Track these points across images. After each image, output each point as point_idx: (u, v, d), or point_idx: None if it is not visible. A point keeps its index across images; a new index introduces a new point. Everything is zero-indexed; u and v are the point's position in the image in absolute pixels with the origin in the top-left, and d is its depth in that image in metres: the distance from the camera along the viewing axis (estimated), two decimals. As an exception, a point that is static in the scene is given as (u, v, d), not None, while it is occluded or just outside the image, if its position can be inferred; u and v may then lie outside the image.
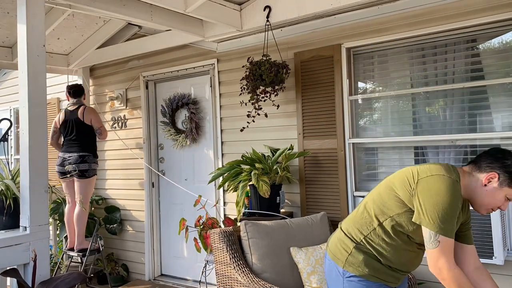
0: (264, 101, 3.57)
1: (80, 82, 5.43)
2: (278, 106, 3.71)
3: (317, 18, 3.64)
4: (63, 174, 4.31)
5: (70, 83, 5.24)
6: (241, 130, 3.73)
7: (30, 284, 2.37)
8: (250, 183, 3.49)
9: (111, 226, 5.08)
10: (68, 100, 4.53)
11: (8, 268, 2.38)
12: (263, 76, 3.39)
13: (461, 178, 1.88)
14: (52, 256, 4.85)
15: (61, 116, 4.45)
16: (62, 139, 4.44)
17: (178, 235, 4.42)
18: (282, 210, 3.71)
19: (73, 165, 4.20)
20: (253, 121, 3.64)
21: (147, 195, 4.94)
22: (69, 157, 4.26)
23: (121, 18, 4.01)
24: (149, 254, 4.92)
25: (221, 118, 4.35)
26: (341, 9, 3.42)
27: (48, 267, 2.53)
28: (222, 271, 3.02)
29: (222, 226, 3.74)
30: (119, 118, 5.21)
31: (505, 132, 3.05)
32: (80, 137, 4.30)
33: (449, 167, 1.87)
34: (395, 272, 1.96)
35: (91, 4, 3.21)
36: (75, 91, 4.48)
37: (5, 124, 5.46)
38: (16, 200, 2.67)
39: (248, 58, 3.56)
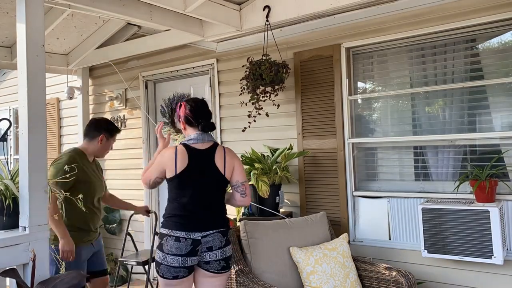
0: (264, 101, 3.57)
1: (79, 81, 5.43)
2: (278, 105, 3.70)
3: (316, 18, 3.63)
4: None
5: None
6: (243, 131, 3.72)
7: (29, 285, 2.37)
8: (250, 183, 3.48)
9: (111, 226, 5.08)
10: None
11: (7, 268, 2.37)
12: (263, 76, 3.39)
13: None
14: (52, 256, 4.84)
15: None
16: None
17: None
18: (281, 210, 3.71)
19: None
20: (254, 121, 3.64)
21: (146, 195, 4.93)
22: None
23: (121, 18, 4.01)
24: (148, 254, 4.91)
25: (220, 118, 4.35)
26: (340, 9, 3.42)
27: (47, 267, 2.53)
28: (222, 271, 3.02)
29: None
30: (118, 118, 5.20)
31: (504, 132, 3.06)
32: None
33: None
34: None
35: (91, 4, 3.20)
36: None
37: (4, 124, 5.46)
38: (15, 200, 2.66)
39: (248, 58, 3.56)
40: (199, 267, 2.52)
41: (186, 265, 2.43)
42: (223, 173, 2.55)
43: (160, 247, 2.49)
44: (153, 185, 2.67)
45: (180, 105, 2.64)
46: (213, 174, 2.53)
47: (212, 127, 2.60)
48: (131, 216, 4.20)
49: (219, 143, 2.65)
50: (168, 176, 2.54)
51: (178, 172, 2.49)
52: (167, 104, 4.78)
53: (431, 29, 3.23)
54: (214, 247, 2.48)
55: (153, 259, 3.72)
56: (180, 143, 2.59)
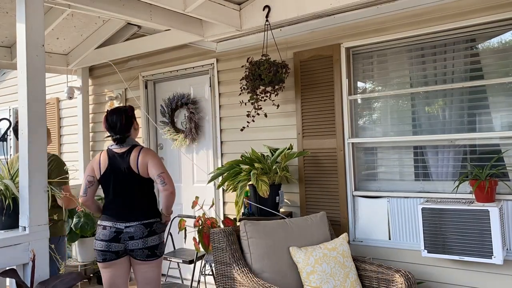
0: (264, 101, 3.57)
1: (79, 81, 5.44)
2: (278, 105, 3.71)
3: (316, 17, 3.63)
4: None
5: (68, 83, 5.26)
6: (241, 130, 3.73)
7: (29, 285, 2.37)
8: (250, 183, 3.48)
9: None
10: None
11: (7, 268, 2.38)
12: (262, 76, 3.39)
13: None
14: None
15: None
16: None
17: (177, 235, 4.41)
18: (281, 210, 3.71)
19: None
20: (253, 120, 3.64)
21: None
22: None
23: (121, 18, 4.01)
24: (148, 254, 4.91)
25: (220, 118, 4.35)
26: (340, 9, 3.42)
27: (47, 267, 2.53)
28: (222, 271, 3.02)
29: (222, 226, 3.74)
30: (118, 118, 5.19)
31: (504, 132, 3.05)
32: None
33: None
34: None
35: (90, 4, 3.21)
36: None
37: (4, 124, 5.46)
38: (15, 200, 2.66)
39: (248, 58, 3.56)
40: (129, 255, 2.93)
41: (110, 249, 2.87)
42: (137, 172, 2.90)
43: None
44: (86, 191, 3.01)
45: (105, 115, 3.04)
46: (129, 173, 2.91)
47: (122, 140, 2.97)
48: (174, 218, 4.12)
49: (141, 146, 3.02)
50: (97, 177, 2.98)
51: (102, 172, 2.95)
52: (167, 104, 4.79)
53: (431, 29, 3.23)
54: (135, 237, 2.86)
55: (198, 258, 3.73)
56: (107, 147, 3.05)
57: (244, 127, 3.70)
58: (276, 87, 3.52)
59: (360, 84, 3.72)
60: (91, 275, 5.06)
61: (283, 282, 2.92)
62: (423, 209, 3.08)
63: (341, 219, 3.61)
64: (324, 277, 2.86)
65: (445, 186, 3.28)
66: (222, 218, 4.18)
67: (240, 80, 3.63)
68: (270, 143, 4.00)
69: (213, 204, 4.15)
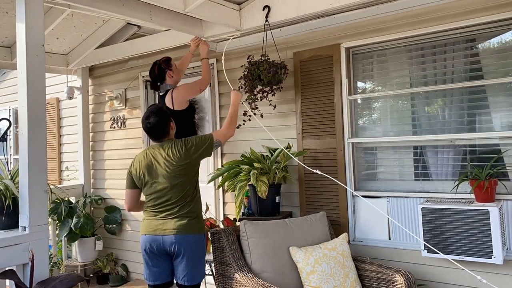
0: (261, 100, 3.57)
1: (79, 81, 5.44)
2: (274, 106, 3.70)
3: (316, 17, 3.63)
4: None
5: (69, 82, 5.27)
6: (237, 127, 3.71)
7: (28, 285, 2.37)
8: (249, 183, 3.48)
9: (111, 226, 5.08)
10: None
11: (6, 269, 2.38)
12: (261, 76, 3.39)
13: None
14: (52, 256, 4.85)
15: None
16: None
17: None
18: (281, 210, 3.71)
19: None
20: (249, 119, 3.63)
21: (146, 195, 4.93)
22: None
23: (120, 18, 4.00)
24: (148, 254, 4.91)
25: (220, 118, 4.34)
26: (340, 9, 3.42)
27: (47, 267, 2.53)
28: (221, 271, 3.02)
29: (221, 226, 3.74)
30: (118, 118, 5.20)
31: (504, 132, 3.05)
32: None
33: None
34: None
35: (90, 4, 3.20)
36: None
37: (4, 124, 5.46)
38: (15, 200, 2.67)
39: (249, 56, 3.55)
40: None
41: None
42: None
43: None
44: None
45: None
46: None
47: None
48: None
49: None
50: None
51: None
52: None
53: (431, 29, 3.23)
54: None
55: None
56: None
57: (239, 125, 3.68)
58: (274, 87, 3.51)
59: (360, 84, 3.72)
60: (91, 275, 5.07)
61: (283, 282, 2.92)
62: (423, 209, 3.08)
63: (341, 219, 3.61)
64: (324, 277, 2.86)
65: (445, 186, 3.28)
66: (222, 218, 4.18)
67: (239, 79, 3.63)
68: (270, 143, 3.99)
69: (207, 208, 3.77)
